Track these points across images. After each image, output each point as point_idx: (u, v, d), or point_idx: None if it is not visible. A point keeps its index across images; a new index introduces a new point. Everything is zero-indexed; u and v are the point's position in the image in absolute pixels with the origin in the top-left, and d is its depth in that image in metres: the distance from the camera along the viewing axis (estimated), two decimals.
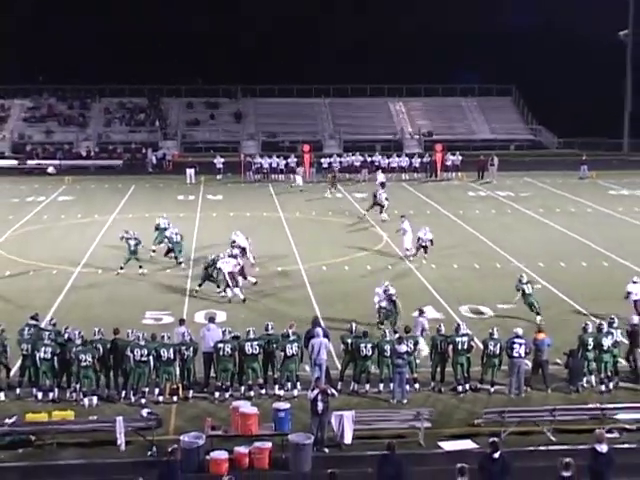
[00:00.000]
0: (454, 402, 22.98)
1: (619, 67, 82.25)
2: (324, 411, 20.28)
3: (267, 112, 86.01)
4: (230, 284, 31.50)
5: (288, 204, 52.40)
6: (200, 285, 32.23)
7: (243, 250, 35.11)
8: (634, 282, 30.18)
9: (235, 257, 32.52)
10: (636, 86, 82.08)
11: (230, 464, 19.15)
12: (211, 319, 25.01)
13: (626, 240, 42.25)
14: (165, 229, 37.77)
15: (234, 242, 34.95)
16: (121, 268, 35.33)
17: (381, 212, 46.32)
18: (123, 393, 22.94)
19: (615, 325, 24.44)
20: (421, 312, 26.64)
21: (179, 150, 78.15)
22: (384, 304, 27.87)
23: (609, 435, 19.29)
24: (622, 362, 24.41)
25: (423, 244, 37.13)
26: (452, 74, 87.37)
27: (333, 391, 21.23)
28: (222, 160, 64.28)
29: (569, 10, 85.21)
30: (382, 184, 53.79)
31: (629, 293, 29.80)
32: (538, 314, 29.24)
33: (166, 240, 37.13)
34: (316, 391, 20.43)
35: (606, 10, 79.23)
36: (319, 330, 23.99)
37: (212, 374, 23.59)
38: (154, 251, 37.64)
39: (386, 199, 47.04)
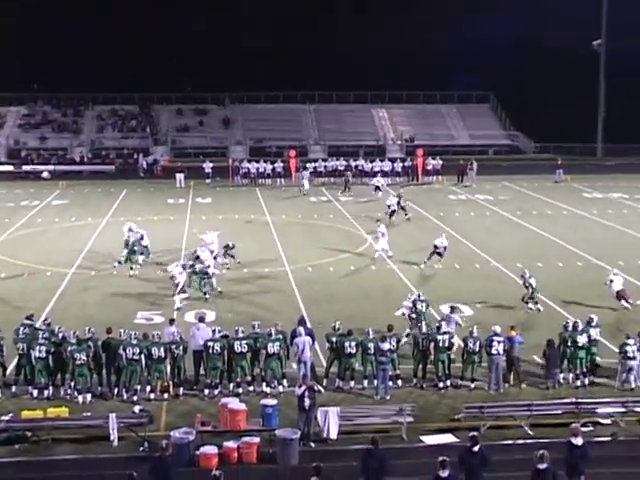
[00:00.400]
0: (435, 398, 23.56)
1: (593, 75, 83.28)
2: (311, 407, 20.84)
3: (254, 118, 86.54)
4: (177, 290, 31.80)
5: (275, 207, 53.04)
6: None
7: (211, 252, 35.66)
8: (615, 274, 31.36)
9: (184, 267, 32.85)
10: (609, 93, 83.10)
11: (219, 459, 19.58)
12: (201, 319, 25.58)
13: (600, 241, 43.11)
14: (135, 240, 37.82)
15: (196, 254, 34.71)
16: (119, 263, 35.94)
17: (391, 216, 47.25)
18: (116, 390, 23.45)
19: (593, 324, 24.99)
20: (453, 309, 27.44)
21: (169, 155, 78.60)
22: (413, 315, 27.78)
23: (584, 429, 19.87)
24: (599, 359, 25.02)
25: (438, 251, 37.37)
26: (453, 79, 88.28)
27: (320, 388, 21.89)
28: (211, 165, 65.13)
29: (545, 20, 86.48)
30: (377, 187, 54.93)
31: (612, 281, 31.11)
32: (535, 303, 30.91)
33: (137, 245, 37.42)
34: (303, 388, 20.99)
35: (580, 20, 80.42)
36: (301, 329, 24.57)
37: (202, 372, 24.14)
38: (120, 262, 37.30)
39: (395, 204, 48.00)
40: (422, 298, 27.99)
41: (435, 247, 37.49)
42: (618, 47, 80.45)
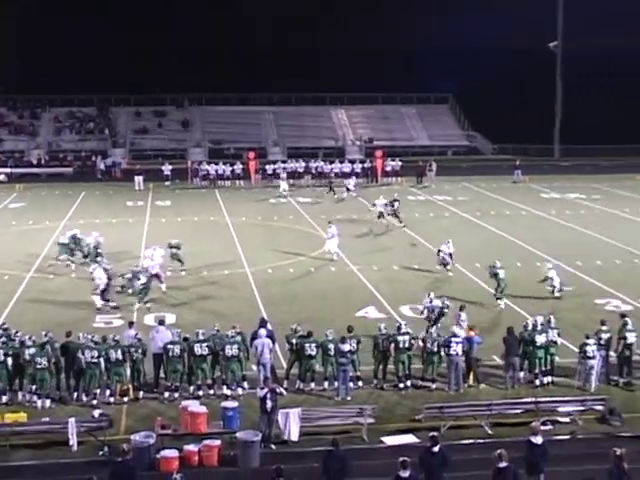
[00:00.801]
0: (396, 398, 23.64)
1: (549, 76, 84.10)
2: (273, 409, 20.84)
3: (213, 120, 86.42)
4: (102, 296, 31.68)
5: (234, 209, 52.96)
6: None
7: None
8: (549, 269, 32.40)
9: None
10: (565, 95, 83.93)
11: (180, 462, 19.48)
12: (161, 321, 25.54)
13: (558, 241, 43.51)
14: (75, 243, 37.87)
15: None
16: (56, 259, 35.99)
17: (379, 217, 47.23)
18: (75, 395, 23.30)
19: (552, 324, 25.19)
20: (462, 308, 27.55)
21: (128, 158, 78.17)
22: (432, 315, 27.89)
23: (543, 427, 20.03)
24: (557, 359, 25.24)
25: (443, 256, 36.46)
26: (426, 83, 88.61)
27: (282, 390, 21.88)
28: (170, 167, 64.78)
29: (503, 21, 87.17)
30: (347, 189, 55.06)
31: (551, 278, 32.23)
32: (499, 299, 31.24)
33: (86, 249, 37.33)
34: (265, 390, 20.98)
35: (537, 22, 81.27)
36: (262, 331, 24.55)
37: (162, 375, 24.06)
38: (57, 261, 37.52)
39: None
40: (446, 302, 28.17)
41: (439, 251, 36.61)
42: (574, 48, 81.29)
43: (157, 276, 33.59)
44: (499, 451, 16.60)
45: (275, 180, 63.32)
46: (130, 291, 32.19)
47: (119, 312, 30.80)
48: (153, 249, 35.64)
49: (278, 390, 21.33)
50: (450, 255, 36.59)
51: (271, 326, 25.70)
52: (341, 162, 66.96)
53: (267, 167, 65.41)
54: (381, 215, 46.94)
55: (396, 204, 47.37)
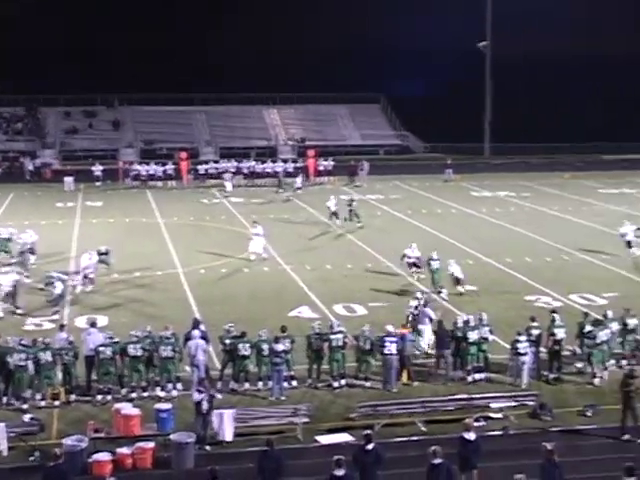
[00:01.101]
0: (330, 397, 23.68)
1: (479, 76, 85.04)
2: (209, 411, 20.75)
3: (145, 120, 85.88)
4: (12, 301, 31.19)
5: (166, 210, 52.64)
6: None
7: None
8: (452, 265, 33.48)
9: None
10: (495, 94, 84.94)
11: (114, 465, 19.26)
12: (92, 324, 25.25)
13: (488, 239, 44.06)
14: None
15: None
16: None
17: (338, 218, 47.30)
18: (4, 399, 22.90)
19: (484, 321, 25.44)
20: (426, 303, 27.68)
21: (58, 158, 77.15)
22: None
23: (476, 424, 20.16)
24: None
25: (410, 261, 35.44)
26: (394, 84, 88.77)
27: (218, 395, 21.80)
28: (101, 168, 64.15)
29: (433, 21, 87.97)
30: (298, 189, 55.04)
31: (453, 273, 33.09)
32: (440, 292, 31.95)
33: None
34: (202, 392, 20.87)
35: (467, 21, 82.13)
36: (195, 332, 24.44)
37: (94, 377, 23.78)
38: None
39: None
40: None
41: (404, 256, 35.73)
42: (503, 48, 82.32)
43: (90, 279, 33.48)
44: (434, 448, 16.73)
45: (208, 180, 63.29)
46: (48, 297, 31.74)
47: (54, 315, 30.31)
48: (89, 254, 35.23)
49: (212, 392, 21.22)
50: (418, 258, 35.47)
51: (204, 327, 25.58)
52: (273, 162, 66.98)
53: (199, 167, 65.24)
54: (334, 215, 47.06)
55: (354, 204, 47.40)
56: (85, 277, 33.66)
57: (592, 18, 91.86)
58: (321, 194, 57.94)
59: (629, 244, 39.18)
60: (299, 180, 59.18)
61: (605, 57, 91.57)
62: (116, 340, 23.93)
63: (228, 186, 58.88)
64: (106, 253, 36.41)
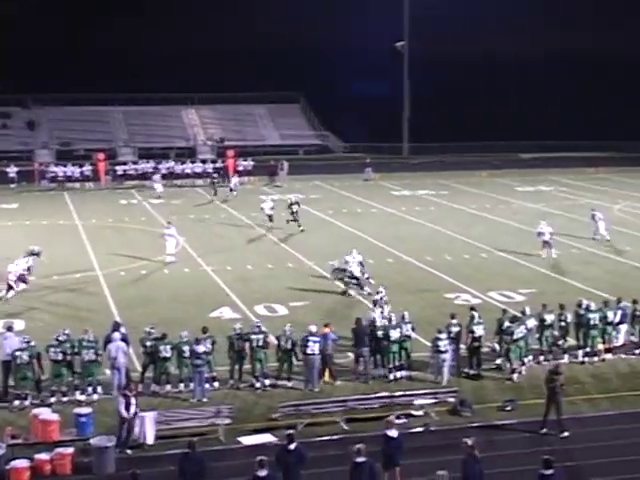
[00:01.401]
0: (253, 398, 23.60)
1: (397, 76, 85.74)
2: (134, 415, 20.52)
3: (61, 120, 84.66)
4: None
5: (84, 211, 51.96)
6: None
7: None
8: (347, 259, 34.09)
9: None
10: (412, 94, 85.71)
11: (32, 472, 18.99)
12: (9, 328, 24.77)
13: (408, 237, 44.48)
14: None
15: None
16: None
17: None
18: None
19: (406, 320, 25.56)
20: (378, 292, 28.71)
21: None
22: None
23: (398, 421, 20.24)
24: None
25: (350, 268, 34.05)
26: (313, 84, 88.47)
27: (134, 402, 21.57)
28: (16, 169, 63.07)
29: (352, 20, 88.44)
30: (232, 190, 54.77)
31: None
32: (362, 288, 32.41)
33: None
34: (125, 398, 20.62)
35: (385, 21, 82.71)
36: (115, 334, 24.19)
37: (11, 382, 23.38)
38: None
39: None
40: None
41: (346, 262, 34.59)
42: (420, 48, 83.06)
43: (23, 281, 33.12)
44: (358, 446, 16.78)
45: (127, 181, 62.79)
46: None
47: None
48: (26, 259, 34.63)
49: (131, 398, 20.95)
50: (361, 263, 34.47)
51: (125, 329, 25.31)
52: (192, 162, 66.66)
53: (117, 168, 64.57)
54: (269, 217, 46.15)
55: (295, 207, 45.98)
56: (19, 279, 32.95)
57: (511, 17, 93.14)
58: (241, 194, 57.83)
59: (546, 244, 39.81)
60: (235, 180, 58.69)
61: (519, 56, 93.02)
62: (33, 344, 23.54)
63: (158, 187, 58.32)
64: (38, 254, 35.80)
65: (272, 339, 25.05)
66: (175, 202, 55.98)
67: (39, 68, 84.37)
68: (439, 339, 24.65)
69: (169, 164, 65.40)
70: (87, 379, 23.39)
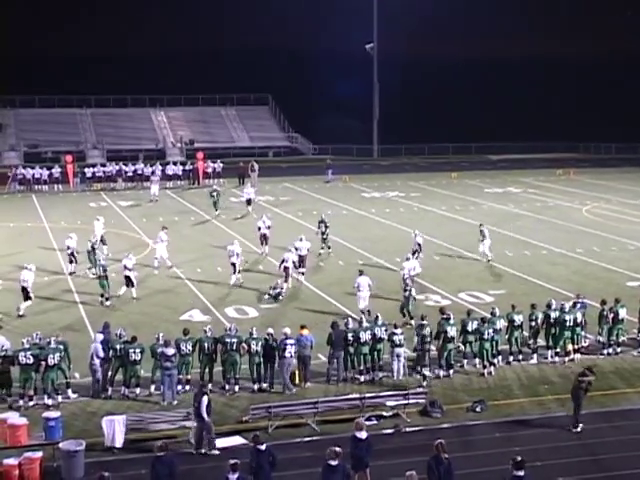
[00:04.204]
0: (224, 400, 23.53)
1: (367, 77, 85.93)
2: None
3: (28, 123, 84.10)
4: None
5: (53, 214, 51.63)
6: None
7: None
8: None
9: None
10: (382, 96, 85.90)
11: (0, 477, 18.84)
12: None
13: (378, 239, 44.57)
14: None
15: None
16: None
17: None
18: None
19: (380, 322, 25.57)
20: (361, 272, 30.48)
21: None
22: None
23: (368, 423, 20.44)
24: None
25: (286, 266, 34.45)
26: (283, 86, 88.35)
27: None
28: None
29: (321, 23, 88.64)
30: (215, 191, 54.68)
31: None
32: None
33: None
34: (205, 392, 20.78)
35: (355, 23, 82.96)
36: (98, 336, 24.14)
37: None
38: None
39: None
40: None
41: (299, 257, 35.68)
42: (391, 50, 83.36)
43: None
44: (334, 449, 16.58)
45: (96, 184, 62.55)
46: None
47: None
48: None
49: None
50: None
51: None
52: (162, 164, 66.39)
53: (86, 170, 64.21)
54: (263, 237, 42.81)
55: (322, 226, 41.71)
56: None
57: (481, 19, 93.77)
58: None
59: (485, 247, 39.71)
60: (217, 182, 58.46)
61: (488, 60, 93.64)
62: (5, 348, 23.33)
63: (154, 189, 57.86)
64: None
65: (243, 344, 24.78)
66: (148, 205, 55.71)
67: (6, 70, 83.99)
68: (395, 334, 24.87)
69: (138, 166, 65.06)
70: (55, 383, 23.15)
